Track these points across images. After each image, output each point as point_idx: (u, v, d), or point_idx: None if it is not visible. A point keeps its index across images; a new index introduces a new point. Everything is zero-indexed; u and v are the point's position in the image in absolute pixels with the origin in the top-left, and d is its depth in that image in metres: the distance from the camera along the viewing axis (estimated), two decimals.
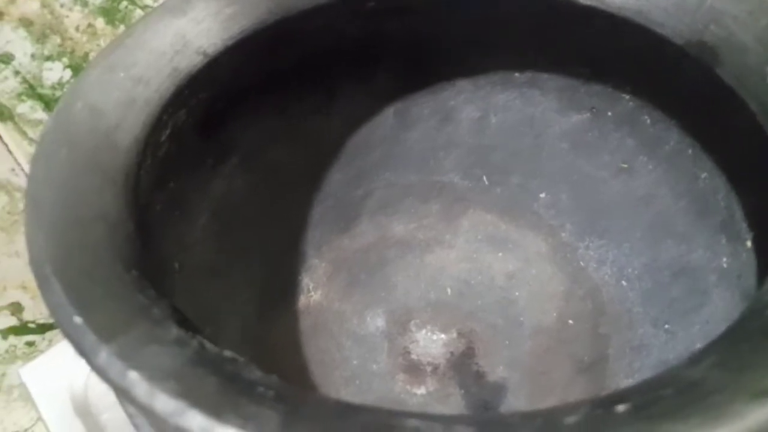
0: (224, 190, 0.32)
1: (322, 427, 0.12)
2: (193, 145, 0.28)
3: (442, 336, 0.34)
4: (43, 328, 0.50)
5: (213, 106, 0.28)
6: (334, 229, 0.36)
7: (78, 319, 0.14)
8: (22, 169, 0.43)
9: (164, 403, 0.12)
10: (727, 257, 0.27)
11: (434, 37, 0.32)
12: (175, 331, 0.15)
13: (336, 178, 0.36)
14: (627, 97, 0.31)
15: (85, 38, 0.38)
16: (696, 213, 0.29)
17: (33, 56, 0.37)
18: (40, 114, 0.40)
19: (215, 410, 0.12)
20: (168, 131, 0.25)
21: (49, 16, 0.36)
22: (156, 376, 0.13)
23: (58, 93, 0.39)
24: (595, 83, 0.31)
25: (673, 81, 0.27)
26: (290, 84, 0.32)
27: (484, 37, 0.31)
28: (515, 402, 0.31)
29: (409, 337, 0.34)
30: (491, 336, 0.34)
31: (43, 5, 0.35)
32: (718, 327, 0.26)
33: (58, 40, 0.37)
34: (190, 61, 0.25)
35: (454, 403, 0.31)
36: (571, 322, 0.33)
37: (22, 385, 0.38)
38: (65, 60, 0.38)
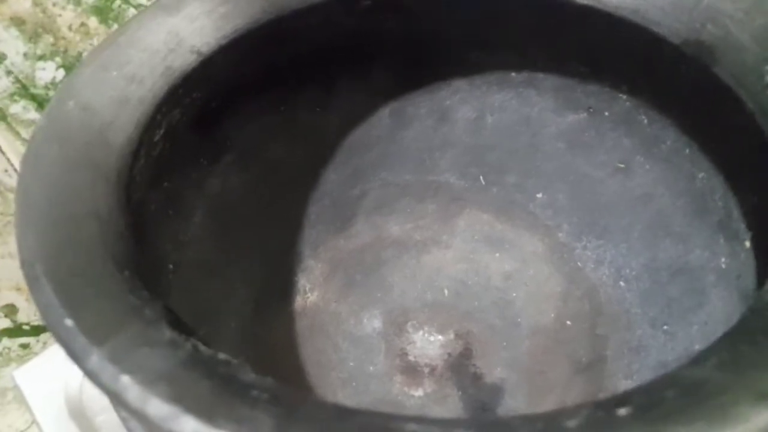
0: (219, 189, 0.32)
1: (318, 431, 0.12)
2: (187, 143, 0.28)
3: (440, 337, 0.33)
4: (37, 330, 0.50)
5: (207, 104, 0.28)
6: (331, 229, 0.36)
7: (69, 321, 0.14)
8: (15, 170, 0.42)
9: (157, 407, 0.12)
10: (725, 257, 0.26)
11: (431, 35, 0.32)
12: (168, 332, 0.14)
13: (332, 178, 0.35)
14: (624, 96, 0.31)
15: (78, 37, 0.38)
16: (694, 213, 0.28)
17: (25, 56, 0.37)
18: (33, 114, 0.40)
19: (208, 414, 0.12)
20: (162, 130, 0.25)
21: (41, 15, 0.35)
22: (148, 379, 0.13)
23: (51, 93, 0.39)
24: (592, 83, 0.31)
25: (670, 80, 0.27)
26: (285, 82, 0.31)
27: (480, 35, 0.31)
28: (513, 403, 0.31)
29: (406, 338, 0.33)
30: (488, 337, 0.33)
31: (35, 4, 0.35)
32: (717, 327, 0.26)
33: (51, 40, 0.37)
34: (183, 59, 0.25)
35: (451, 405, 0.31)
36: (568, 322, 0.33)
37: (16, 388, 0.37)
38: (58, 59, 0.38)
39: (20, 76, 0.37)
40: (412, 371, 0.32)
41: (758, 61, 0.22)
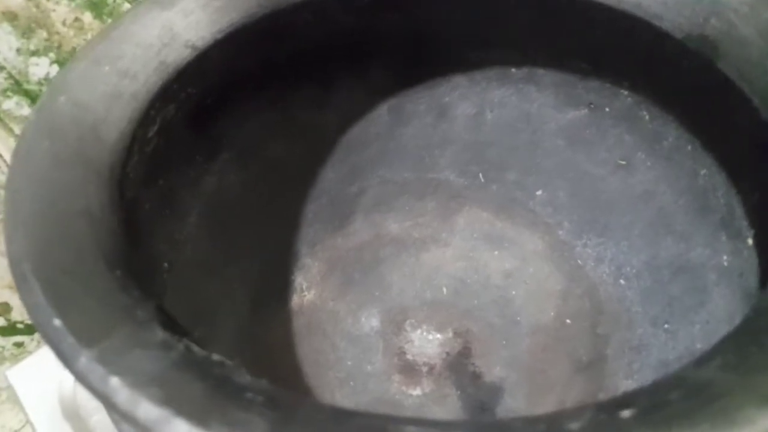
0: (215, 187, 0.31)
1: None
2: (183, 140, 0.28)
3: (438, 336, 0.33)
4: (31, 329, 0.49)
5: (203, 100, 0.28)
6: (328, 227, 0.36)
7: (57, 322, 0.14)
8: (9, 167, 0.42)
9: (147, 410, 0.12)
10: (727, 255, 0.26)
11: (430, 33, 0.31)
12: (160, 333, 0.14)
13: (330, 176, 0.35)
14: (625, 92, 0.30)
15: (72, 33, 0.37)
16: (696, 210, 0.28)
17: (18, 51, 0.36)
18: (27, 110, 0.39)
19: (201, 418, 0.12)
20: (156, 126, 0.24)
21: (34, 10, 0.35)
22: (139, 382, 0.12)
23: (44, 89, 0.38)
24: (593, 79, 0.31)
25: (672, 76, 0.26)
26: (283, 78, 0.31)
27: (480, 33, 0.31)
28: (513, 402, 0.31)
29: (405, 337, 0.33)
30: (488, 335, 0.33)
31: None
32: (719, 326, 0.26)
33: (45, 35, 0.36)
34: (178, 54, 0.24)
35: (450, 404, 0.31)
36: (568, 321, 0.32)
37: (10, 388, 0.37)
38: (52, 55, 0.37)
39: (13, 72, 0.37)
40: (410, 370, 0.32)
41: (763, 56, 0.22)
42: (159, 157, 0.25)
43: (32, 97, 0.39)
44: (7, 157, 0.41)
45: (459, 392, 0.31)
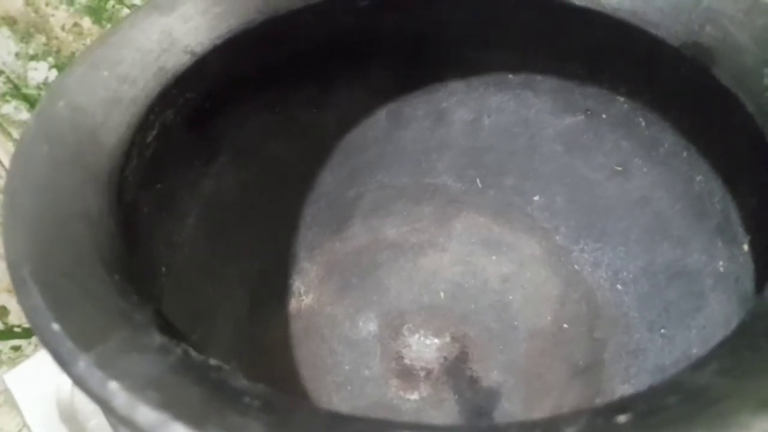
0: (214, 191, 0.31)
1: None
2: (181, 144, 0.28)
3: (436, 340, 0.33)
4: (29, 333, 0.49)
5: (202, 105, 0.28)
6: (326, 231, 0.36)
7: (55, 326, 0.14)
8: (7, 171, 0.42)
9: (145, 414, 0.12)
10: (723, 260, 0.26)
11: (431, 31, 0.31)
12: (158, 337, 0.14)
13: (328, 179, 0.35)
14: (622, 98, 0.30)
15: (71, 37, 0.37)
16: (692, 216, 0.28)
17: (17, 55, 0.36)
18: (25, 115, 0.39)
19: (198, 422, 0.12)
20: (155, 131, 0.25)
21: (33, 15, 0.35)
22: (137, 385, 0.12)
23: (43, 93, 0.38)
24: (590, 85, 0.31)
25: (668, 82, 0.27)
26: (281, 82, 0.31)
27: (480, 35, 0.31)
28: (510, 407, 0.31)
29: (402, 341, 0.33)
30: (485, 340, 0.33)
31: (27, 3, 0.34)
32: (716, 331, 0.26)
33: (44, 40, 0.36)
34: (177, 59, 0.24)
35: (447, 409, 0.31)
36: (566, 326, 0.33)
37: (7, 391, 0.37)
38: (51, 60, 0.38)
39: (12, 76, 0.37)
40: (407, 375, 0.32)
41: (758, 63, 0.22)
42: (158, 161, 0.25)
43: (31, 102, 0.39)
44: (6, 161, 0.41)
45: (456, 397, 0.31)
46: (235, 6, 0.26)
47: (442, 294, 0.35)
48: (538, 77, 0.33)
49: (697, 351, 0.26)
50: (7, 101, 0.38)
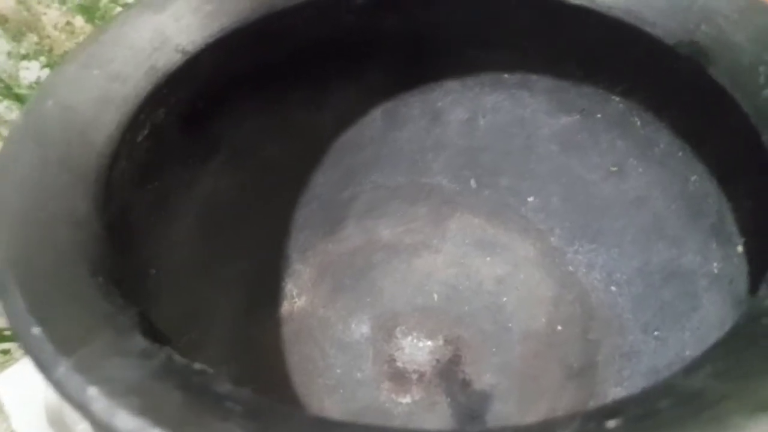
0: (207, 191, 0.31)
1: None
2: (174, 144, 0.27)
3: (429, 343, 0.33)
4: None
5: (194, 104, 0.27)
6: (320, 232, 0.35)
7: (36, 329, 0.13)
8: None
9: (124, 420, 0.12)
10: (718, 262, 0.26)
11: (424, 35, 0.31)
12: (141, 341, 0.14)
13: (322, 180, 0.35)
14: (617, 98, 0.30)
15: (63, 36, 0.37)
16: (687, 216, 0.28)
17: (9, 55, 0.36)
18: (17, 114, 0.39)
19: (178, 428, 0.11)
20: (146, 130, 0.24)
21: (25, 14, 0.35)
22: (117, 391, 0.12)
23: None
24: (585, 85, 0.31)
25: (664, 82, 0.26)
26: (276, 82, 0.31)
27: (474, 36, 0.31)
28: (503, 409, 0.30)
29: (395, 344, 0.33)
30: (479, 342, 0.33)
31: (19, 2, 0.34)
32: (710, 333, 0.26)
33: (35, 39, 0.36)
34: (169, 58, 0.24)
35: (440, 412, 0.31)
36: (560, 327, 0.32)
37: None
38: (43, 59, 0.37)
39: (3, 76, 0.36)
40: (400, 378, 0.32)
41: (753, 62, 0.22)
42: (150, 161, 0.25)
43: (23, 101, 0.39)
44: None
45: (449, 400, 0.31)
46: (227, 5, 0.26)
47: (435, 296, 0.35)
48: (534, 77, 0.32)
49: (690, 353, 0.26)
50: None
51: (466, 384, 0.31)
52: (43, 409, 0.34)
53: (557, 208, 0.34)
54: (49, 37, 0.37)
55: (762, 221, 0.23)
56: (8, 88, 0.37)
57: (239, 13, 0.26)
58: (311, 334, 0.33)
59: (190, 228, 0.30)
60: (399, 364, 0.32)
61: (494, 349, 0.33)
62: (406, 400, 0.31)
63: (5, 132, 0.40)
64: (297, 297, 0.34)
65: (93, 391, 0.12)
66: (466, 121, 0.34)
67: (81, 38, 0.38)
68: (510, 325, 0.33)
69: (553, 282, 0.34)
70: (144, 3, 0.25)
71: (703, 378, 0.13)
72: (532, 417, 0.29)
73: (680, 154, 0.28)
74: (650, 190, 0.30)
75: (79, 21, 0.37)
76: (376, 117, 0.34)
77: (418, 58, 0.32)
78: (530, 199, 0.35)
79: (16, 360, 0.37)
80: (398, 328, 0.33)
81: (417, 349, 0.33)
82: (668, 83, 0.26)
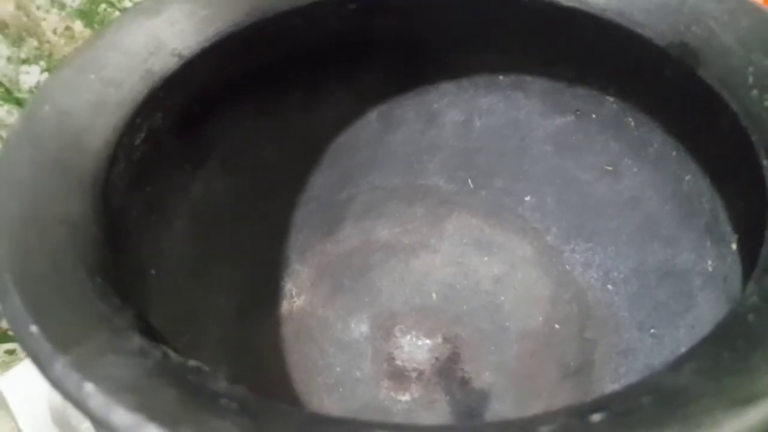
0: (204, 194, 0.31)
1: None
2: (171, 147, 0.28)
3: (427, 341, 0.33)
4: None
5: (191, 108, 0.28)
6: (318, 233, 0.36)
7: (34, 328, 0.14)
8: None
9: (120, 416, 0.12)
10: (712, 260, 0.26)
11: (418, 38, 0.31)
12: (137, 340, 0.14)
13: (319, 182, 0.35)
14: (611, 99, 0.30)
15: (63, 41, 0.37)
16: (682, 216, 0.28)
17: (9, 59, 0.36)
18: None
19: (173, 424, 0.12)
20: (143, 134, 0.25)
21: (25, 19, 0.35)
22: (113, 388, 0.12)
23: None
24: (579, 86, 0.31)
25: (656, 83, 0.27)
26: (271, 85, 0.31)
27: (469, 38, 0.31)
28: (501, 407, 0.31)
29: (394, 342, 0.33)
30: (477, 341, 0.33)
31: (19, 7, 0.34)
32: (704, 331, 0.26)
33: (35, 43, 0.36)
34: (164, 63, 0.25)
35: (439, 410, 0.31)
36: (557, 326, 0.33)
37: (0, 395, 0.37)
38: (43, 63, 0.38)
39: (4, 80, 0.37)
40: (399, 376, 0.32)
41: (743, 63, 0.22)
42: (146, 165, 0.25)
43: (23, 105, 0.39)
44: None
45: (448, 398, 0.31)
46: (222, 9, 0.26)
47: (434, 295, 0.35)
48: (528, 78, 0.33)
49: (685, 350, 0.26)
50: (0, 105, 0.38)
51: (464, 382, 0.31)
52: (47, 407, 0.34)
53: (553, 207, 0.34)
54: (48, 41, 0.37)
55: (753, 220, 0.23)
56: (8, 92, 0.38)
57: (234, 17, 0.26)
58: (310, 333, 0.33)
59: (189, 229, 0.30)
60: (398, 362, 0.32)
61: (492, 348, 0.33)
62: (406, 398, 0.31)
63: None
64: (296, 297, 0.34)
65: (90, 388, 0.12)
66: (461, 122, 0.35)
67: (80, 43, 0.38)
68: (507, 324, 0.33)
69: (550, 281, 0.34)
70: (139, 8, 0.26)
71: (687, 374, 0.13)
72: (528, 415, 0.29)
73: (674, 154, 0.28)
74: (645, 190, 0.30)
75: (78, 26, 0.38)
76: (371, 119, 0.34)
77: (413, 61, 0.32)
78: (527, 198, 0.35)
79: (21, 359, 0.37)
80: (397, 327, 0.34)
81: (416, 348, 0.33)
82: (660, 84, 0.26)
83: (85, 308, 0.15)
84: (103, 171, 0.20)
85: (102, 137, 0.21)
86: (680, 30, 0.24)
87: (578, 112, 0.32)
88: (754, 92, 0.21)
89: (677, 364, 0.14)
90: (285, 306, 0.34)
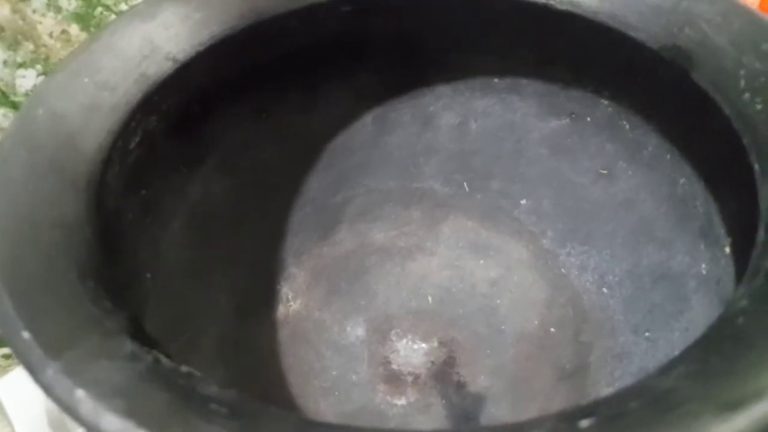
0: (199, 196, 0.31)
1: None
2: (166, 150, 0.28)
3: (423, 345, 0.33)
4: None
5: (186, 111, 0.28)
6: (313, 236, 0.36)
7: (25, 333, 0.14)
8: None
9: (110, 422, 0.12)
10: (706, 263, 0.26)
11: (414, 41, 0.32)
12: (128, 344, 0.14)
13: (315, 185, 0.35)
14: (606, 102, 0.30)
15: (59, 45, 0.37)
16: (676, 218, 0.28)
17: (5, 63, 0.36)
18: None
19: (163, 429, 0.12)
20: (138, 137, 0.25)
21: (20, 23, 0.35)
22: (103, 393, 0.12)
23: None
24: (574, 89, 0.31)
25: (649, 85, 0.27)
26: (266, 88, 0.31)
27: (464, 41, 0.31)
28: (496, 411, 0.31)
29: (390, 346, 0.33)
30: (473, 344, 0.33)
31: (14, 11, 0.34)
32: (698, 334, 0.26)
33: (31, 47, 0.37)
34: (159, 66, 0.25)
35: (434, 414, 0.31)
36: (552, 329, 0.33)
37: None
38: (39, 67, 0.38)
39: (0, 84, 0.37)
40: (395, 380, 0.32)
41: (735, 66, 0.22)
42: (142, 167, 0.25)
43: (19, 109, 0.39)
44: None
45: (443, 402, 0.31)
46: (216, 12, 0.26)
47: (430, 298, 0.35)
48: (523, 81, 0.33)
49: (675, 355, 0.26)
50: None
51: (460, 386, 0.31)
52: (44, 412, 0.34)
53: (548, 210, 0.34)
54: (45, 45, 0.37)
55: (746, 223, 0.23)
56: (5, 96, 0.38)
57: (228, 20, 0.26)
58: (306, 336, 0.33)
59: (184, 232, 0.30)
60: (394, 366, 0.32)
61: (488, 351, 0.33)
62: (401, 401, 0.31)
63: None
64: (292, 300, 0.34)
65: (80, 394, 0.12)
66: (457, 125, 0.35)
67: (76, 46, 0.39)
68: (503, 327, 0.33)
69: (545, 284, 0.34)
70: (134, 12, 0.26)
71: (676, 379, 0.13)
72: (524, 419, 0.29)
73: (668, 156, 0.28)
74: (639, 193, 0.30)
75: (74, 29, 0.38)
76: (366, 122, 0.34)
77: (405, 64, 0.32)
78: (522, 201, 0.35)
79: (18, 364, 0.37)
80: (393, 331, 0.34)
81: (412, 351, 0.33)
82: (654, 87, 0.26)
83: (77, 312, 0.15)
84: (97, 173, 0.20)
85: (96, 140, 0.21)
86: (673, 32, 0.24)
87: (573, 115, 0.32)
88: (746, 95, 0.21)
89: (666, 369, 0.14)
90: (281, 309, 0.34)
